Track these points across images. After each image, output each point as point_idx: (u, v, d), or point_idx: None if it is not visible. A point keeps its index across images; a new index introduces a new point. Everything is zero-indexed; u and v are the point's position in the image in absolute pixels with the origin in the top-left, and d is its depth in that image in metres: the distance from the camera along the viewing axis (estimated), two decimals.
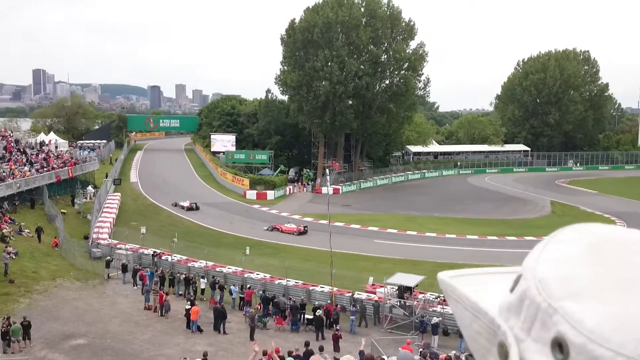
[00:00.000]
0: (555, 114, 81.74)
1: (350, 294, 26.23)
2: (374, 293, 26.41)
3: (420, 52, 63.25)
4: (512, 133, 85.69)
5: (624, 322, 0.56)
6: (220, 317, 23.46)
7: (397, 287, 25.55)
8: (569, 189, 64.47)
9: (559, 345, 0.61)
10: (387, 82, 63.60)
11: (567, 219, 47.30)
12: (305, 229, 40.44)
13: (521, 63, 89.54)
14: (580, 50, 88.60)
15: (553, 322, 0.61)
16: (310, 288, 27.61)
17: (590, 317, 0.58)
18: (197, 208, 46.20)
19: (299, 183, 61.80)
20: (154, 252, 32.30)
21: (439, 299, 24.40)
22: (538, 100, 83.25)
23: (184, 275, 28.51)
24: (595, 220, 46.83)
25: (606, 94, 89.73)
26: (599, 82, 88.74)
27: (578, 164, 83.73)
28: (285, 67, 62.55)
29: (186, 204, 46.45)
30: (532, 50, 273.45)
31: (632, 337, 0.55)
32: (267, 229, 40.62)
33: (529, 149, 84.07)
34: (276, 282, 28.55)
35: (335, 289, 26.25)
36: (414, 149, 78.86)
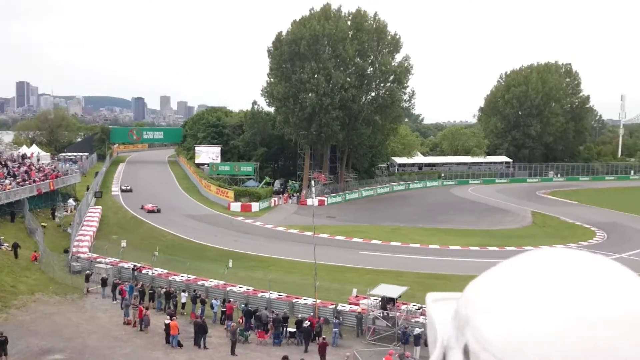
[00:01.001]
0: (537, 126, 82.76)
1: (333, 306, 26.11)
2: (358, 305, 26.30)
3: (406, 65, 63.81)
4: (495, 145, 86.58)
5: (519, 337, 0.60)
6: (200, 331, 23.16)
7: (380, 299, 25.50)
8: (550, 200, 65.11)
9: (466, 353, 0.68)
10: (373, 94, 64.05)
11: (548, 230, 47.87)
12: (158, 209, 48.67)
13: (504, 76, 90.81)
14: (562, 63, 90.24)
15: (465, 332, 0.68)
16: (294, 300, 27.40)
17: (489, 329, 0.64)
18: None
19: (284, 195, 61.68)
20: (134, 265, 31.89)
21: (421, 309, 24.38)
22: (520, 113, 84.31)
23: (164, 290, 28.17)
24: (575, 230, 47.38)
25: (587, 105, 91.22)
26: (580, 94, 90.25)
27: (559, 175, 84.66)
28: (271, 79, 62.72)
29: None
30: (514, 63, 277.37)
31: (522, 350, 0.59)
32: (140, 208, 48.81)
33: (511, 160, 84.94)
34: (259, 295, 28.27)
35: (318, 301, 26.12)
36: (399, 160, 79.30)
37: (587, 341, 0.56)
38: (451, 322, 0.70)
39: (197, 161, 71.10)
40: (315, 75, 58.92)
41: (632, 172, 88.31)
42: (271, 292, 28.17)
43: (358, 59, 61.53)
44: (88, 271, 30.63)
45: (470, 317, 0.66)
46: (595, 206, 58.98)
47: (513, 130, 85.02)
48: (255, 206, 54.48)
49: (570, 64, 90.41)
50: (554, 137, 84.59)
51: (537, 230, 47.96)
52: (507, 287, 0.67)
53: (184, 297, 27.60)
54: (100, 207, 48.01)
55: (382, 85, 63.61)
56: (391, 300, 24.94)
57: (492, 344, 0.63)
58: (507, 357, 0.61)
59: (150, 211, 48.63)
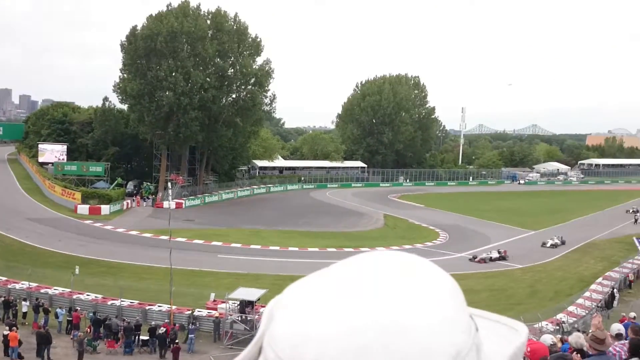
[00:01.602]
0: (389, 134, 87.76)
1: (189, 312, 25.38)
2: (215, 309, 25.84)
3: (267, 68, 64.18)
4: (351, 150, 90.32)
5: (294, 329, 0.61)
6: (44, 342, 21.29)
7: (239, 302, 25.29)
8: (400, 203, 69.36)
9: (260, 349, 0.68)
10: (233, 96, 63.48)
11: (398, 231, 50.99)
12: None
13: (360, 85, 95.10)
14: (411, 76, 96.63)
15: (268, 328, 0.66)
16: (147, 307, 26.24)
17: (279, 326, 0.63)
18: None
19: (138, 197, 58.83)
20: None
21: None
22: (374, 121, 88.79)
23: (2, 298, 25.53)
24: (422, 231, 50.97)
25: (433, 116, 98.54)
26: (427, 105, 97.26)
27: (408, 180, 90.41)
28: (125, 75, 59.47)
29: None
30: (370, 73, 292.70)
31: (290, 344, 0.60)
32: None
33: (366, 165, 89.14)
34: (109, 302, 26.68)
35: (174, 307, 25.23)
36: (260, 163, 79.50)
37: (358, 346, 0.56)
38: (265, 318, 0.68)
39: (40, 160, 65.26)
40: (173, 74, 57.04)
41: (471, 178, 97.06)
42: (122, 299, 26.67)
43: (218, 60, 60.67)
44: None
45: (274, 314, 0.66)
46: (439, 209, 63.89)
47: (368, 137, 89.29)
48: (105, 209, 51.23)
49: (418, 76, 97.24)
50: (404, 144, 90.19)
51: (388, 232, 50.82)
52: (307, 287, 0.66)
53: (25, 306, 25.29)
54: None
55: (243, 87, 63.35)
56: (250, 304, 24.85)
57: (277, 342, 0.63)
58: (285, 357, 0.61)
59: None
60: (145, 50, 57.37)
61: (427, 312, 0.59)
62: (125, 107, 63.63)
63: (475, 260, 39.16)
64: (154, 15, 59.30)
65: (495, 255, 39.82)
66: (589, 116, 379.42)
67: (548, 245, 44.17)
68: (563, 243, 44.58)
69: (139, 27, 58.73)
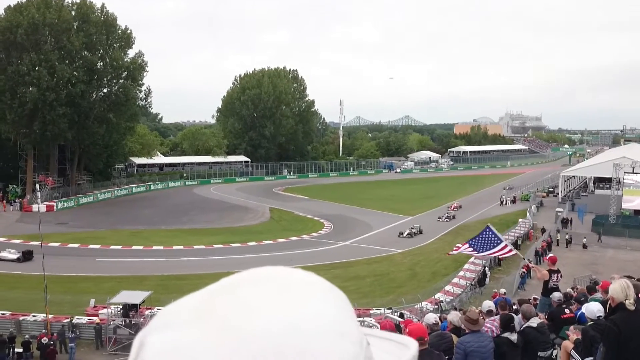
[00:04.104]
0: (271, 127, 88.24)
1: (68, 320, 23.93)
2: (97, 315, 24.60)
3: (139, 61, 61.80)
4: (234, 145, 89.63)
5: (173, 350, 0.56)
6: None
7: (122, 306, 24.29)
8: (285, 196, 70.16)
9: None
10: (105, 90, 60.57)
11: (284, 224, 51.63)
12: None
13: (239, 78, 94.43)
14: (290, 69, 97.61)
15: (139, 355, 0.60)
16: (21, 318, 24.40)
17: (152, 346, 0.58)
18: None
19: (4, 201, 54.13)
20: None
21: None
22: (255, 114, 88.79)
23: None
24: (307, 223, 51.94)
25: (312, 109, 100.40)
26: (306, 98, 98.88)
27: (292, 173, 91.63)
28: None
29: None
30: (248, 66, 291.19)
31: None
32: None
33: (249, 159, 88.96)
34: None
35: (50, 316, 23.65)
36: (138, 160, 76.43)
37: (236, 354, 0.53)
38: (135, 349, 0.61)
39: None
40: (37, 68, 53.31)
41: (352, 169, 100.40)
42: None
43: (86, 52, 57.48)
44: None
45: (144, 341, 0.60)
46: (323, 200, 65.53)
47: (250, 131, 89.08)
48: None
49: (297, 70, 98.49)
50: (285, 137, 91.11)
51: (274, 225, 51.25)
52: (186, 306, 0.61)
53: None
54: None
55: (114, 81, 60.61)
56: (134, 307, 23.99)
57: None
58: None
59: None
60: (4, 43, 53.46)
61: (314, 327, 0.57)
62: None
63: None
64: (12, 6, 55.10)
65: None
66: (455, 107, 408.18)
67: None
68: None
69: None
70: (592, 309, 6.87)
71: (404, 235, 44.75)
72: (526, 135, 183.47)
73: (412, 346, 0.69)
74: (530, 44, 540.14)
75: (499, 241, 13.57)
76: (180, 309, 0.61)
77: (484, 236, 13.58)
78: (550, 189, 69.26)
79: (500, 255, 15.61)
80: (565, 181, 65.06)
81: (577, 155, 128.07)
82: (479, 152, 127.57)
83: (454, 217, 52.82)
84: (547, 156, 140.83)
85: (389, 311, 24.70)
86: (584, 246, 40.36)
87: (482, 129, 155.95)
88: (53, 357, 20.30)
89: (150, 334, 0.59)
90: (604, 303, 6.80)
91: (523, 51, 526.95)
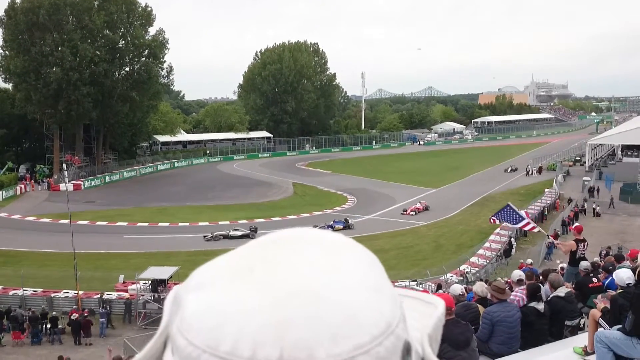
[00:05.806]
0: (292, 102, 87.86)
1: (98, 296, 24.52)
2: (126, 291, 25.15)
3: (160, 39, 61.84)
4: (256, 121, 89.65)
5: (210, 310, 0.54)
6: None
7: (150, 282, 24.78)
8: (308, 171, 70.18)
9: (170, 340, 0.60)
10: (127, 69, 60.80)
11: (308, 198, 51.72)
12: None
13: (259, 54, 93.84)
14: (311, 43, 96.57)
15: (177, 315, 0.58)
16: (52, 295, 25.07)
17: (192, 309, 0.56)
18: None
19: (32, 181, 55.27)
20: None
21: None
22: (277, 90, 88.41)
23: None
24: (330, 197, 52.02)
25: (334, 83, 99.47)
26: (328, 72, 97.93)
27: (314, 148, 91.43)
28: (7, 52, 55.38)
29: None
30: (268, 41, 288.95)
31: (207, 326, 0.53)
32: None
33: (271, 135, 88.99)
34: (10, 293, 25.25)
35: (81, 292, 24.25)
36: (161, 138, 77.08)
37: (279, 319, 0.51)
38: (170, 306, 0.60)
39: None
40: (60, 48, 53.66)
41: (374, 142, 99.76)
42: (25, 288, 25.29)
43: (107, 31, 57.56)
44: None
45: (181, 300, 0.58)
46: (346, 174, 65.37)
47: (271, 107, 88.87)
48: None
49: (317, 43, 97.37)
50: (307, 112, 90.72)
51: (298, 200, 51.40)
52: (219, 266, 0.61)
53: None
54: None
55: (136, 59, 60.72)
56: (162, 282, 24.44)
57: (190, 327, 0.54)
58: (200, 342, 0.53)
59: None
60: (26, 24, 53.54)
61: (351, 283, 0.57)
62: (9, 86, 59.29)
63: None
64: None
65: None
66: (480, 76, 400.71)
67: (408, 212, 43.29)
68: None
69: (18, 0, 54.38)
70: (622, 275, 6.73)
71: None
72: (552, 104, 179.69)
73: (439, 305, 0.70)
74: (556, 10, 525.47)
75: (520, 218, 13.42)
76: (217, 269, 0.60)
77: (505, 213, 13.45)
78: (577, 158, 67.96)
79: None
80: (592, 150, 63.80)
81: (605, 123, 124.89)
82: (504, 122, 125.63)
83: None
84: (574, 125, 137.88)
85: (414, 283, 24.72)
86: (597, 214, 40.32)
87: (507, 98, 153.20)
88: (88, 329, 20.88)
89: (188, 293, 0.58)
90: (633, 270, 6.66)
91: (549, 18, 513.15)
